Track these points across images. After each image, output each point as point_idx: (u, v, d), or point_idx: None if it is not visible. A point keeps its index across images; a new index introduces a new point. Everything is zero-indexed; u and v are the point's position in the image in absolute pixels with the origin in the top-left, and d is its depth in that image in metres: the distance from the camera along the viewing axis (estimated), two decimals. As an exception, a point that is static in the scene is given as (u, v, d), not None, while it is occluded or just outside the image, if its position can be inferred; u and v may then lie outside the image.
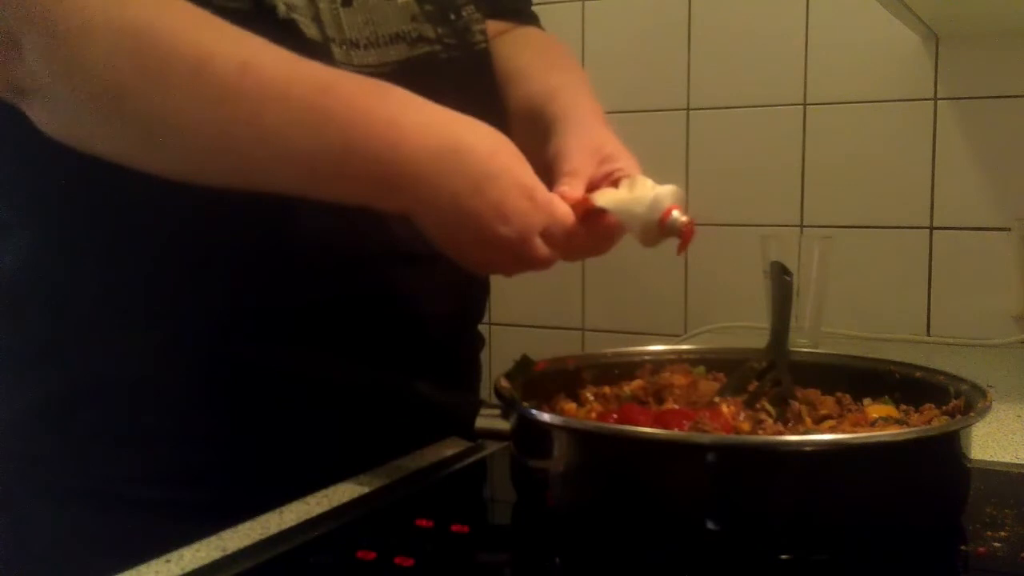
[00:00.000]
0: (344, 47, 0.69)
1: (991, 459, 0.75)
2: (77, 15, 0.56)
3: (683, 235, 0.66)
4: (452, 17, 0.77)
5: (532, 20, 0.94)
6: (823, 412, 0.67)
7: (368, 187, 0.61)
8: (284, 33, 0.64)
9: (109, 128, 0.60)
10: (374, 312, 0.73)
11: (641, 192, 0.67)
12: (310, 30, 0.67)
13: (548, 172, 0.70)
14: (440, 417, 0.68)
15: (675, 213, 0.66)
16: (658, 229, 0.66)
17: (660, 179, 0.71)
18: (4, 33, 0.57)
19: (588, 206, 0.66)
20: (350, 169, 0.60)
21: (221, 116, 0.58)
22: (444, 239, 0.64)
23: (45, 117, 0.60)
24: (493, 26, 0.85)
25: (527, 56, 0.86)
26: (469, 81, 0.78)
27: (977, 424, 0.58)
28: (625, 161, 0.71)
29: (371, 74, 0.69)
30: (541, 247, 0.64)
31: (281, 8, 0.65)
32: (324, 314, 0.70)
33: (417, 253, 0.72)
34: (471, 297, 0.84)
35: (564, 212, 0.65)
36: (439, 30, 0.75)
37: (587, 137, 0.73)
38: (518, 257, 0.64)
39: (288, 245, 0.68)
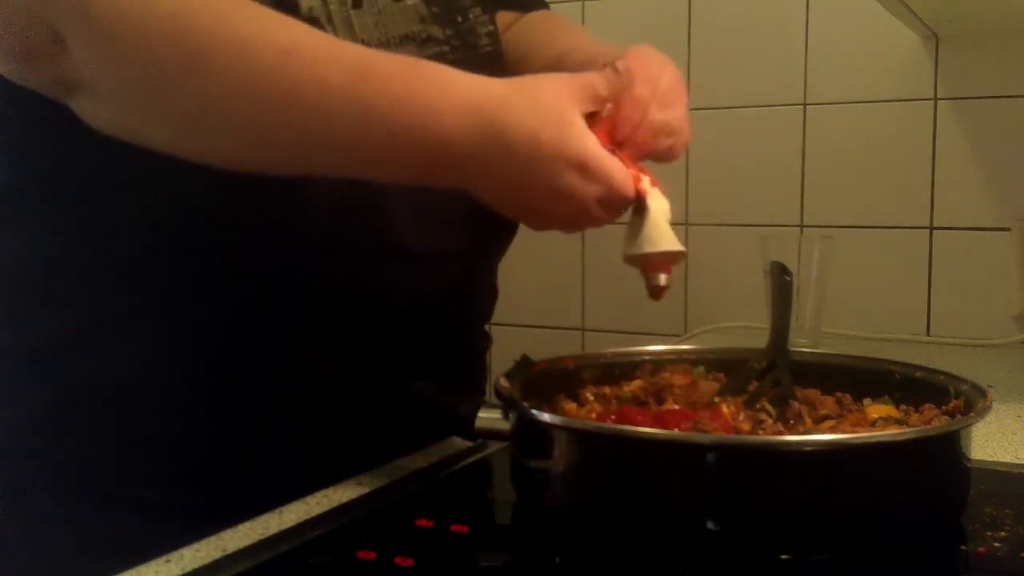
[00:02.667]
0: None
1: (991, 459, 0.75)
2: (113, 7, 0.56)
3: (653, 292, 0.67)
4: (459, 19, 0.77)
5: (539, 5, 0.95)
6: (823, 412, 0.67)
7: (415, 168, 0.61)
8: None
9: (153, 116, 0.60)
10: (379, 312, 0.73)
11: (655, 221, 0.65)
12: (325, 31, 0.67)
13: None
14: (440, 417, 0.68)
15: (662, 277, 0.66)
16: (640, 261, 0.66)
17: (661, 178, 0.71)
18: (48, 27, 0.57)
19: (639, 188, 0.64)
20: (393, 152, 0.60)
21: (262, 99, 0.58)
22: (502, 207, 0.64)
23: (93, 111, 0.60)
24: (504, 18, 0.85)
25: (545, 26, 0.87)
26: None
27: (977, 424, 0.58)
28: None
29: None
30: (599, 214, 0.63)
31: (304, 7, 0.65)
32: (326, 314, 0.70)
33: (424, 252, 0.72)
34: (479, 296, 0.84)
35: (622, 179, 0.62)
36: (447, 31, 0.75)
37: (652, 67, 0.70)
38: (574, 222, 0.64)
39: (289, 245, 0.68)
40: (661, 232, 0.65)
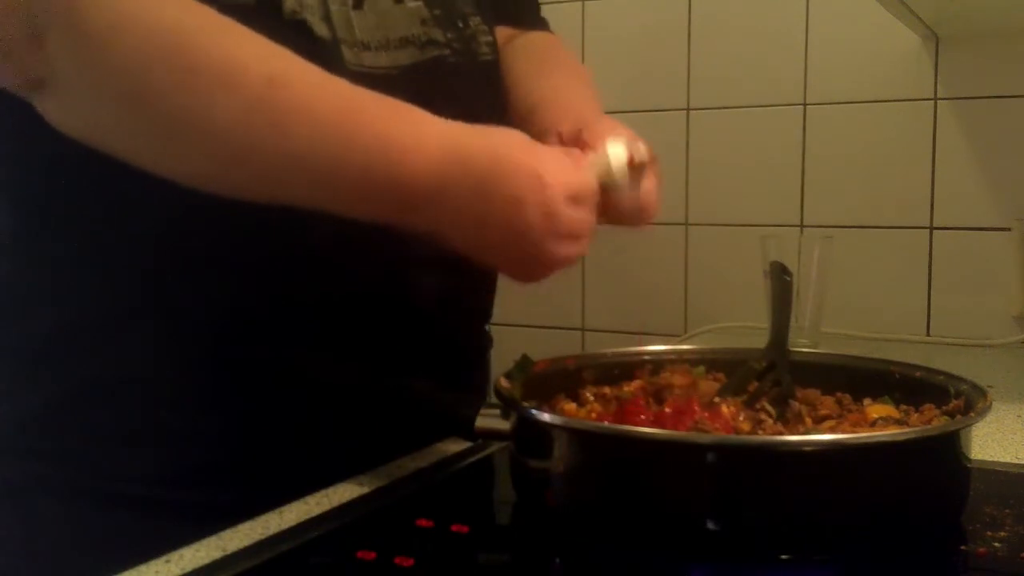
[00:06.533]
0: (355, 49, 0.69)
1: (991, 459, 0.75)
2: (107, 12, 0.56)
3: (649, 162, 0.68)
4: (460, 25, 0.77)
5: (538, 25, 0.94)
6: (823, 412, 0.67)
7: (388, 208, 0.62)
8: (292, 32, 0.64)
9: (130, 128, 0.59)
10: (381, 310, 0.73)
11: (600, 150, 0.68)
12: (320, 28, 0.67)
13: None
14: (440, 417, 0.68)
15: (640, 147, 0.68)
16: (629, 172, 0.68)
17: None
18: (27, 25, 0.56)
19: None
20: (368, 191, 0.60)
21: (245, 126, 0.58)
22: (476, 251, 0.65)
23: (59, 112, 0.60)
24: (501, 32, 0.85)
25: (523, 63, 0.87)
26: (476, 87, 0.78)
27: (977, 424, 0.58)
28: (606, 123, 0.71)
29: (382, 76, 0.70)
30: (571, 213, 0.63)
31: (287, 6, 0.65)
32: (327, 313, 0.70)
33: (422, 252, 0.72)
34: (478, 296, 0.84)
35: (580, 177, 0.64)
36: (448, 35, 0.75)
37: (571, 113, 0.73)
38: (555, 234, 0.63)
39: (290, 245, 0.68)
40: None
